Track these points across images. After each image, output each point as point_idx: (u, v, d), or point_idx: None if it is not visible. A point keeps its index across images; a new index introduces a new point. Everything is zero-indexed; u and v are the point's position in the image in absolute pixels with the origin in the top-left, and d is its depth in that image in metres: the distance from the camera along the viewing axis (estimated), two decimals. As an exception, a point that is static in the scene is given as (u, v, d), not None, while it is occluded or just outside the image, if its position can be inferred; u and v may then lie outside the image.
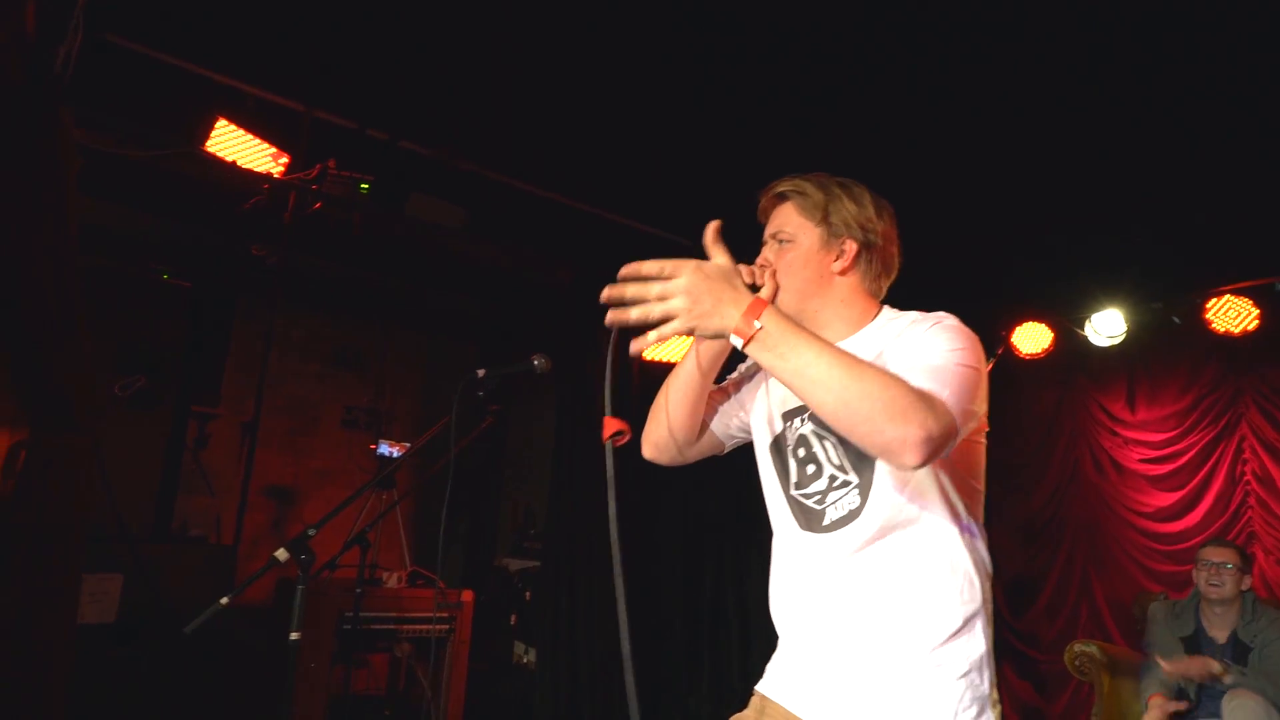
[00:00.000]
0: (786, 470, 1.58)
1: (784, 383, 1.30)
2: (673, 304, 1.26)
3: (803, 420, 1.56)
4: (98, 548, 3.07)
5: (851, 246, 1.55)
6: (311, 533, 1.99)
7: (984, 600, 1.44)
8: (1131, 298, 4.63)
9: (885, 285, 1.62)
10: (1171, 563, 4.67)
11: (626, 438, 1.50)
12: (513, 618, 4.88)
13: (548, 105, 3.65)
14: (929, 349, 1.38)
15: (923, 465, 1.25)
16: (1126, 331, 4.64)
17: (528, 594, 4.87)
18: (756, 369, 1.73)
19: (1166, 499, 4.82)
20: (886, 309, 1.59)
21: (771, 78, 3.30)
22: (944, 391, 1.30)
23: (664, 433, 1.72)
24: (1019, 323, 4.94)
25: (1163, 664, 3.41)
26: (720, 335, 1.27)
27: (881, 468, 1.44)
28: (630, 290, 1.28)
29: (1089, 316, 4.71)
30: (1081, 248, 4.41)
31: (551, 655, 4.18)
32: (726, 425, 1.75)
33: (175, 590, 3.26)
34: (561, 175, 4.19)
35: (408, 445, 4.56)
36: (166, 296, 4.05)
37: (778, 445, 1.61)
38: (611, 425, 1.39)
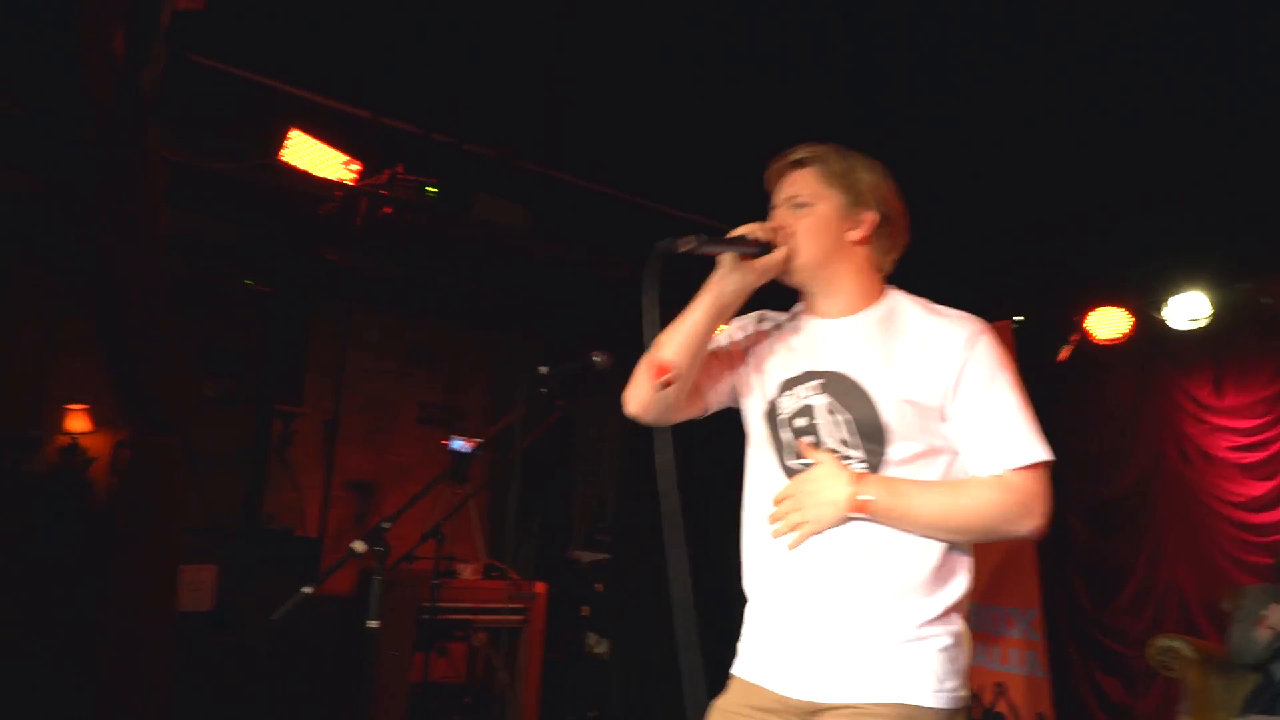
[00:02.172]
0: (779, 440, 1.56)
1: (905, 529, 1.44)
2: (794, 514, 1.46)
3: (812, 390, 1.52)
4: (193, 540, 3.26)
5: (870, 217, 1.55)
6: (386, 526, 2.07)
7: (968, 587, 1.49)
8: (1215, 279, 4.42)
9: (892, 260, 1.62)
10: (1266, 555, 4.45)
11: (674, 380, 1.52)
12: (584, 609, 4.96)
13: (607, 103, 3.69)
14: (993, 396, 1.46)
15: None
16: (1210, 314, 4.44)
17: (599, 585, 4.95)
18: (753, 330, 1.70)
19: (1259, 488, 4.59)
20: (892, 289, 1.61)
21: (834, 64, 3.26)
22: (1034, 449, 1.42)
23: (650, 390, 1.60)
24: (1094, 307, 4.76)
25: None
26: (838, 520, 1.43)
27: (894, 454, 1.45)
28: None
29: (1169, 299, 4.52)
30: (1159, 227, 4.23)
31: (623, 645, 4.25)
32: (718, 389, 1.70)
33: (264, 580, 3.44)
34: (622, 171, 4.24)
35: (479, 440, 4.68)
36: (250, 301, 4.26)
37: (770, 414, 1.58)
38: (660, 368, 1.40)
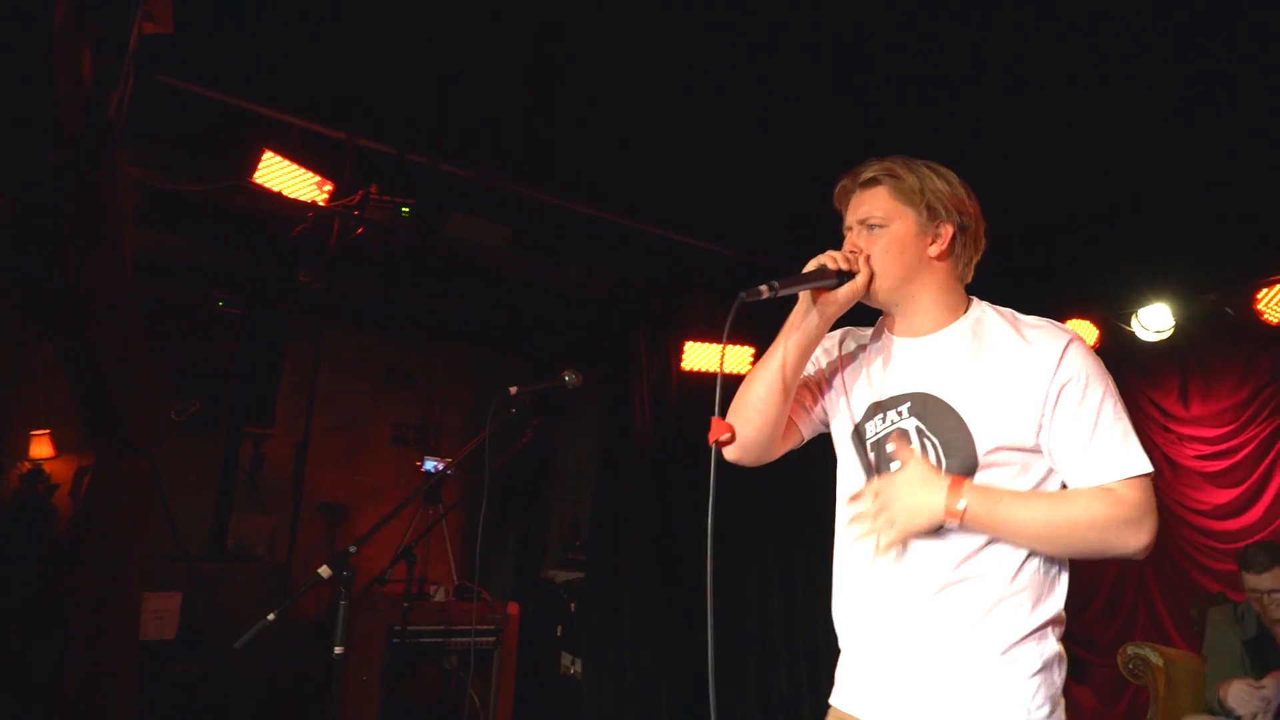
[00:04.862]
0: (869, 461, 1.55)
1: (1003, 540, 1.40)
2: (882, 519, 1.39)
3: (901, 414, 1.51)
4: (158, 567, 3.21)
5: (947, 230, 1.52)
6: (353, 549, 2.06)
7: (1062, 605, 1.44)
8: (1180, 290, 4.52)
9: (972, 269, 1.60)
10: (1231, 561, 4.51)
11: (733, 440, 1.53)
12: (558, 629, 4.94)
13: (583, 122, 3.72)
14: (1091, 407, 1.40)
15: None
16: (1175, 325, 4.53)
17: (573, 605, 4.93)
18: (837, 353, 1.70)
19: (1224, 496, 4.68)
20: (977, 301, 1.58)
21: (807, 76, 3.28)
22: (1139, 460, 1.37)
23: (751, 432, 1.60)
24: (1063, 320, 4.82)
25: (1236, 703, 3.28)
26: (932, 526, 1.38)
27: (982, 475, 1.41)
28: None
29: (1135, 311, 4.61)
30: (1125, 241, 4.32)
31: (597, 665, 4.24)
32: (811, 416, 1.69)
33: (232, 606, 3.40)
34: (598, 190, 4.25)
35: (450, 460, 4.65)
36: (221, 323, 4.24)
37: (859, 434, 1.58)
38: (720, 428, 1.40)
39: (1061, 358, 1.41)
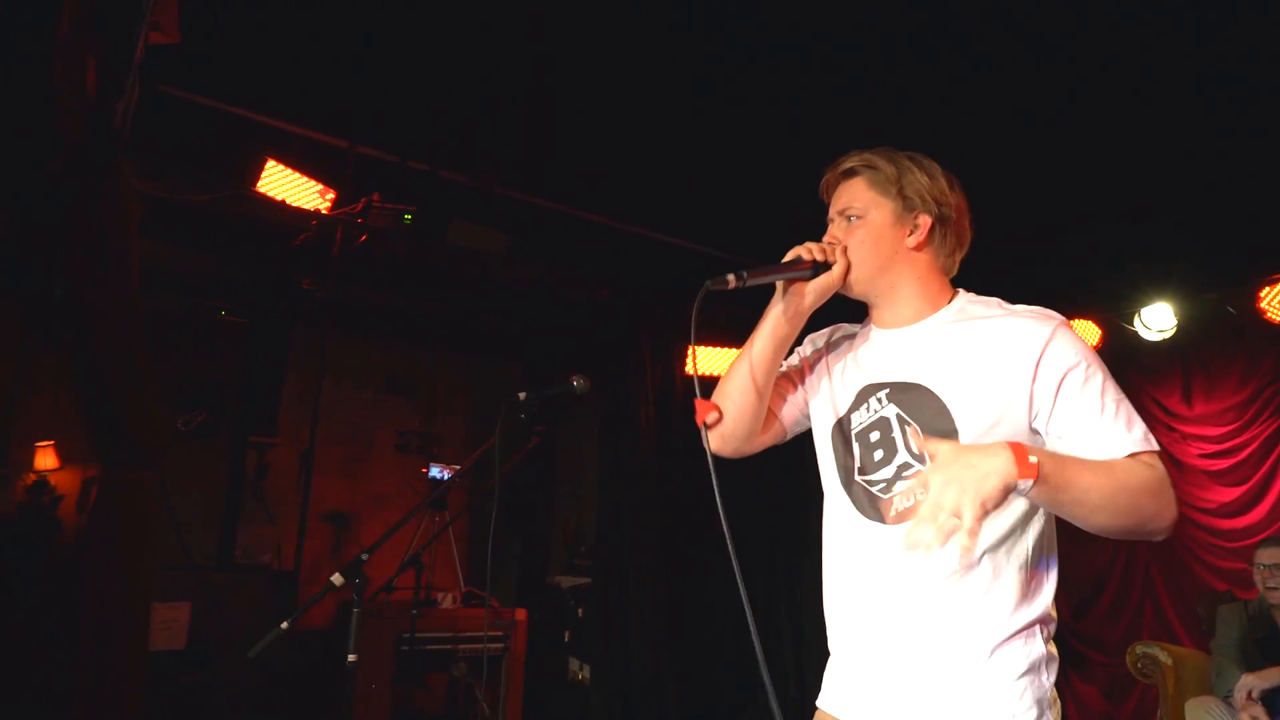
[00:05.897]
0: (851, 454, 1.51)
1: (1061, 512, 1.30)
2: (949, 496, 1.14)
3: (881, 402, 1.48)
4: (166, 577, 3.21)
5: (925, 221, 1.50)
6: (365, 557, 2.06)
7: (1050, 603, 1.40)
8: (1182, 290, 4.52)
9: (958, 259, 1.57)
10: (1237, 559, 4.53)
11: (721, 420, 1.52)
12: (566, 634, 4.93)
13: (581, 128, 3.72)
14: (1094, 389, 1.35)
15: None
16: (1177, 325, 4.54)
17: (580, 610, 4.92)
18: (824, 346, 1.68)
19: (1229, 494, 4.68)
20: (962, 292, 1.55)
21: (802, 79, 3.28)
22: (1146, 440, 1.32)
23: (729, 422, 1.58)
24: (1066, 320, 4.85)
25: (1247, 679, 3.27)
26: (1007, 489, 1.16)
27: None
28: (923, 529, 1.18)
29: (1138, 311, 4.61)
30: (1127, 240, 4.33)
31: (605, 670, 4.23)
32: (793, 411, 1.67)
33: (241, 616, 3.39)
34: (596, 196, 4.26)
35: (457, 468, 4.66)
36: (223, 332, 4.24)
37: (841, 428, 1.55)
38: (705, 408, 1.38)
39: (1049, 341, 1.37)
